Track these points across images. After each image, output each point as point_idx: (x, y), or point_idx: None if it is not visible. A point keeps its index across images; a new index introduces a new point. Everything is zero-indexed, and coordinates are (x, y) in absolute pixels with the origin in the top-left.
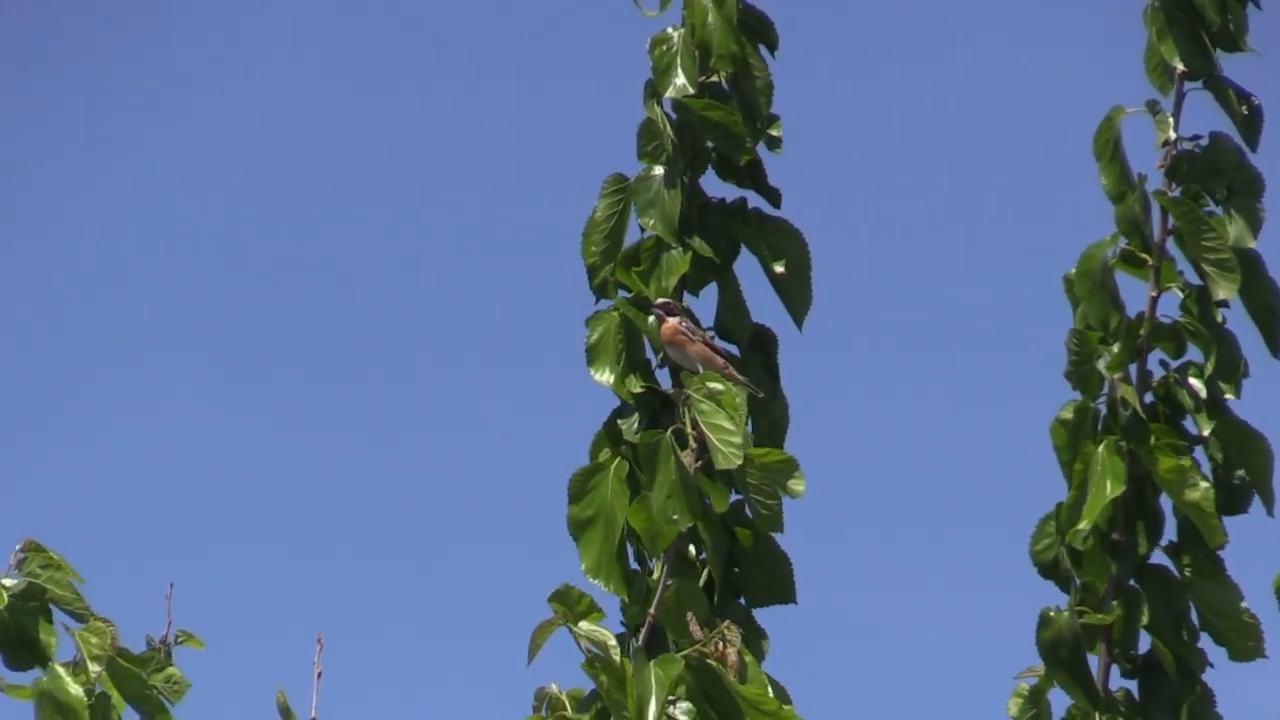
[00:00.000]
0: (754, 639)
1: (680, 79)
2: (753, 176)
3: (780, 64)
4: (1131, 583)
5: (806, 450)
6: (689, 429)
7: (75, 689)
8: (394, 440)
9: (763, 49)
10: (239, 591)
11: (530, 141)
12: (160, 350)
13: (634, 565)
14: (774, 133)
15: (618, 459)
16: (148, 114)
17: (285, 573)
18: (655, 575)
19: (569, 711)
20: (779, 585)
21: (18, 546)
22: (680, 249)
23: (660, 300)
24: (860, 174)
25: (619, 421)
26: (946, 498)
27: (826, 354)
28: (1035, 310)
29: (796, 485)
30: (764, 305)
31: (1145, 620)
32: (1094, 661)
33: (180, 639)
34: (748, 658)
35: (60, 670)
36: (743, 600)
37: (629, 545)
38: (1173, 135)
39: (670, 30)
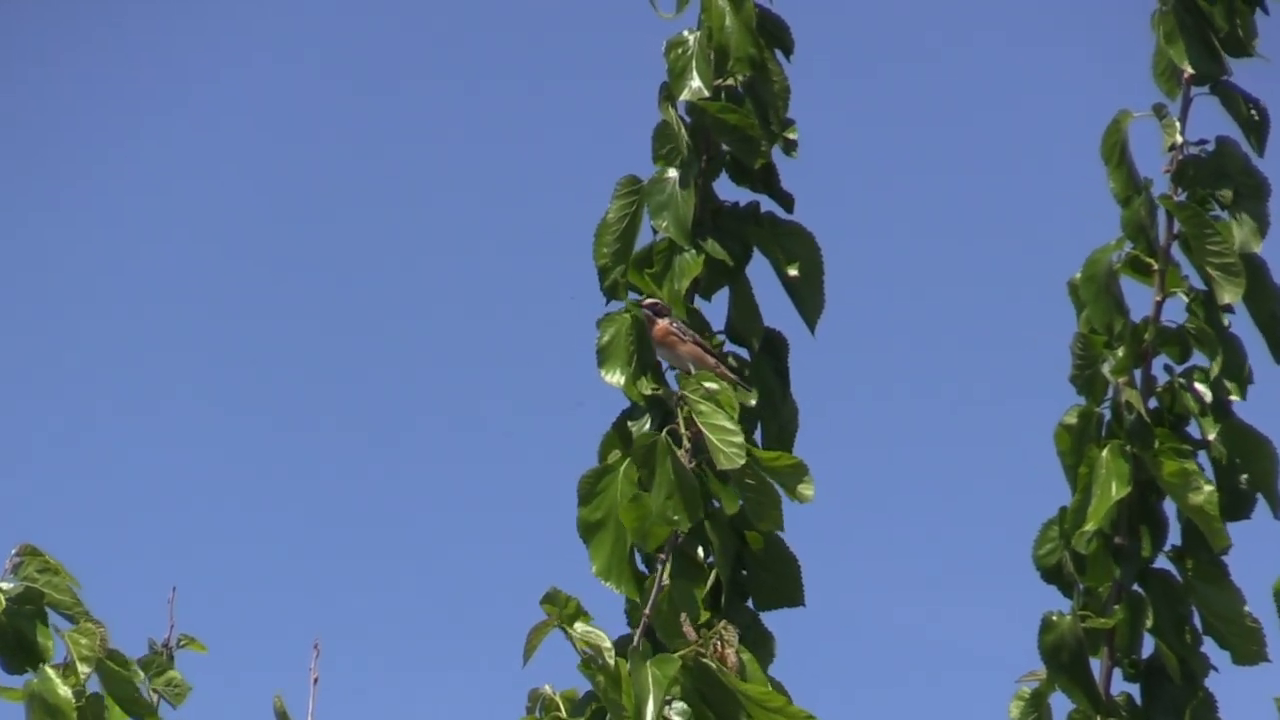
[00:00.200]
0: (761, 641)
1: (695, 82)
2: (766, 181)
3: (784, 66)
4: (1135, 587)
5: (815, 453)
6: (683, 429)
7: (64, 690)
8: (394, 440)
9: (778, 54)
10: (238, 591)
11: (545, 142)
12: (160, 349)
13: (643, 568)
14: (790, 136)
15: (627, 461)
16: (148, 113)
17: (285, 573)
18: (656, 576)
19: (563, 713)
20: (787, 588)
21: (14, 551)
22: (693, 252)
23: (649, 300)
24: (860, 174)
25: (629, 423)
26: (955, 500)
27: (834, 357)
28: (1046, 313)
29: (806, 490)
30: (772, 309)
31: (1148, 624)
32: (1096, 666)
33: (182, 643)
34: (746, 657)
35: (50, 672)
36: (750, 603)
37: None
38: (1179, 139)
39: (686, 33)
